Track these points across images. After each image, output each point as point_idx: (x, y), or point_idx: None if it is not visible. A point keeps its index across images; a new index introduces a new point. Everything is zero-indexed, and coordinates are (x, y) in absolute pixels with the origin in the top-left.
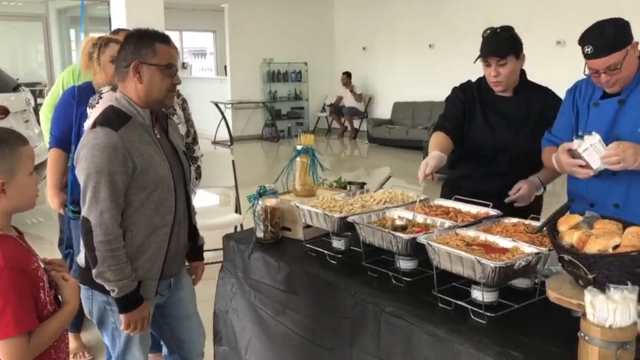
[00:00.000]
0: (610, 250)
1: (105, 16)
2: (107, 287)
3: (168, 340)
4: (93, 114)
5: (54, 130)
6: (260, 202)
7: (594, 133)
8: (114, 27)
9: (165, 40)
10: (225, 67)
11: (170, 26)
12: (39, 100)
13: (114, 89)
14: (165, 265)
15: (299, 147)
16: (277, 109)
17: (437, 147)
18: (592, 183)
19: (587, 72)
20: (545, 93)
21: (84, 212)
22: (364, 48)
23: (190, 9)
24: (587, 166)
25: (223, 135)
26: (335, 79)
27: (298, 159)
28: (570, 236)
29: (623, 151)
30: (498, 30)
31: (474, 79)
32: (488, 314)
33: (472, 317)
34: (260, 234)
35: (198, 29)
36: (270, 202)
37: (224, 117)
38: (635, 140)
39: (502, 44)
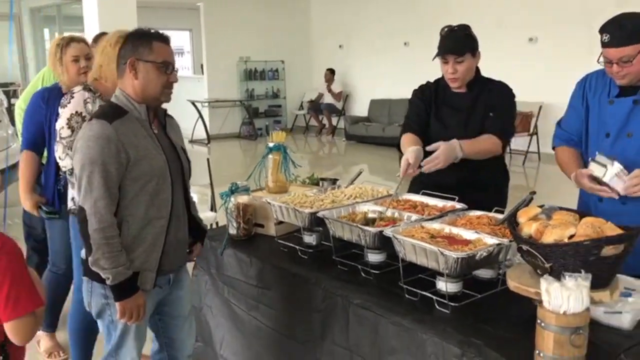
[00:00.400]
0: (566, 240)
1: (80, 15)
2: (103, 275)
3: (160, 338)
4: (64, 113)
5: (25, 132)
6: (232, 199)
7: (615, 163)
8: (86, 26)
9: (163, 39)
10: (202, 65)
11: (145, 25)
12: (12, 101)
13: (85, 88)
14: (163, 258)
15: (270, 145)
16: (254, 107)
17: (412, 144)
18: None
19: (601, 60)
20: (494, 85)
21: (80, 201)
22: (340, 46)
23: (165, 8)
24: (612, 190)
25: (200, 134)
26: (312, 76)
27: (270, 156)
28: (529, 227)
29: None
30: (455, 28)
31: None
32: (452, 303)
33: (437, 307)
34: (233, 231)
35: (174, 27)
36: (243, 199)
37: (200, 115)
38: None
39: (459, 42)
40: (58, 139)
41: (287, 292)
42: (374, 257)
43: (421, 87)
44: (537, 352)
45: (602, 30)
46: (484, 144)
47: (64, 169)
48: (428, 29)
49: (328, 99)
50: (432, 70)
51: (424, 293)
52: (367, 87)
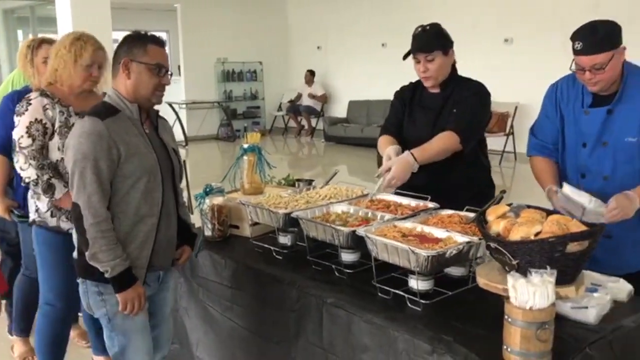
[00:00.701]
0: (532, 237)
1: (53, 16)
2: (101, 269)
3: None
4: (22, 121)
5: None
6: (207, 200)
7: (592, 200)
8: (60, 28)
9: (158, 42)
10: (179, 67)
11: (120, 26)
12: None
13: (42, 94)
14: (154, 255)
15: (245, 146)
16: (232, 109)
17: (388, 145)
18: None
19: (573, 67)
20: (469, 85)
21: (73, 197)
22: (318, 47)
23: (142, 9)
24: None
25: (178, 135)
26: (291, 78)
27: (245, 157)
28: (497, 225)
29: (621, 207)
30: (427, 27)
31: None
32: (423, 301)
33: (409, 305)
34: (207, 232)
35: (151, 29)
36: (217, 200)
37: (178, 117)
38: (622, 147)
39: (428, 40)
40: (17, 149)
41: (261, 292)
42: (347, 257)
43: (402, 88)
44: (505, 347)
45: (574, 37)
46: (437, 144)
47: (27, 180)
48: (405, 31)
49: (307, 100)
50: (410, 71)
51: (396, 291)
52: (346, 88)
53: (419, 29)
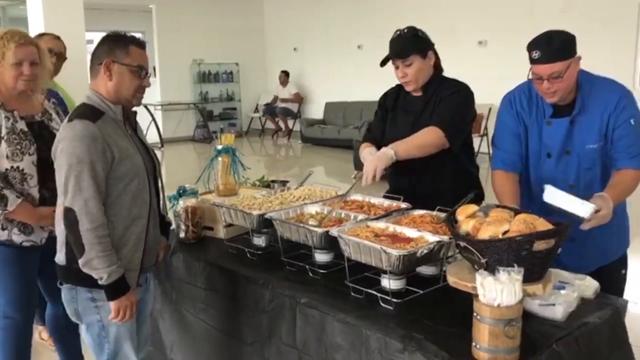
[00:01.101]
0: (500, 236)
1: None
2: (96, 275)
3: None
4: None
5: None
6: (180, 202)
7: (586, 203)
8: (31, 28)
9: (140, 44)
10: (155, 68)
11: (94, 27)
12: None
13: None
14: (144, 256)
15: (219, 147)
16: (208, 110)
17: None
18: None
19: (530, 76)
20: (450, 85)
21: (66, 202)
22: (295, 49)
23: (116, 10)
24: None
25: (153, 137)
26: (267, 79)
27: (219, 158)
28: (466, 224)
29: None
30: (404, 31)
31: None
32: (395, 300)
33: (381, 304)
34: (181, 234)
35: (125, 29)
36: (191, 202)
37: (153, 119)
38: (584, 154)
39: (404, 45)
40: None
41: (235, 294)
42: (321, 257)
43: (385, 93)
44: (474, 344)
45: (531, 47)
46: (419, 137)
47: None
48: (381, 33)
49: (282, 102)
50: (385, 74)
51: (369, 291)
52: (323, 90)
53: (396, 34)
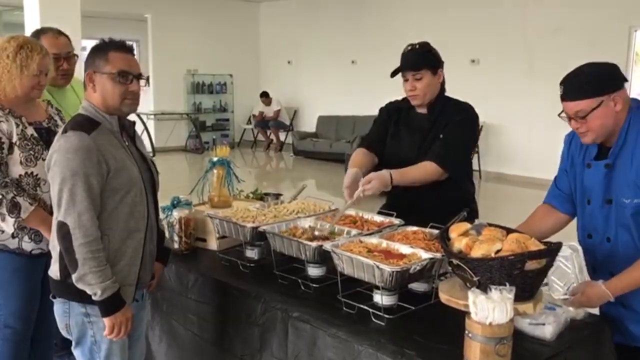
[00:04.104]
0: (493, 255)
1: (21, 22)
2: (89, 291)
3: None
4: None
5: None
6: (174, 213)
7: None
8: (27, 34)
9: (120, 47)
10: (148, 77)
11: (89, 35)
12: None
13: None
14: (141, 271)
15: (214, 159)
16: (201, 121)
17: (354, 164)
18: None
19: (563, 114)
20: (458, 108)
21: (60, 216)
22: (289, 62)
23: (112, 18)
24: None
25: (145, 146)
26: (261, 91)
27: (214, 170)
28: (459, 242)
29: (587, 299)
30: (416, 46)
31: (392, 95)
32: (387, 316)
33: (373, 319)
34: (174, 245)
35: (120, 38)
36: (184, 213)
37: (146, 127)
38: (622, 208)
39: (417, 58)
40: None
41: (226, 306)
42: (314, 271)
43: (386, 106)
44: None
45: (561, 82)
46: (417, 172)
47: None
48: (375, 48)
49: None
50: (378, 89)
51: (361, 306)
52: (315, 103)
53: (409, 48)
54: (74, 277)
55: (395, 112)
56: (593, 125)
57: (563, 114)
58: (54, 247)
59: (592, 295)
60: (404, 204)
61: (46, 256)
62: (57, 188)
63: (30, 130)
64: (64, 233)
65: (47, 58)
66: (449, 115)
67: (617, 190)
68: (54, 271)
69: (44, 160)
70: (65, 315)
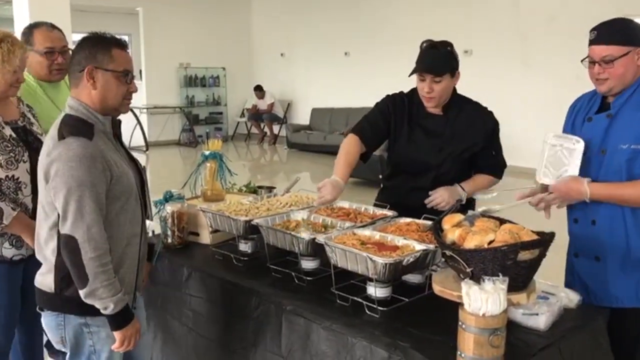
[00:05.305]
0: (485, 246)
1: (10, 16)
2: (100, 305)
3: None
4: None
5: None
6: (167, 207)
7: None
8: (17, 29)
9: (123, 45)
10: (141, 71)
11: (80, 29)
12: None
13: None
14: (138, 276)
15: (206, 153)
16: (194, 114)
17: (346, 160)
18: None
19: (585, 62)
20: (478, 114)
21: (66, 229)
22: (282, 54)
23: (103, 12)
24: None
25: (138, 140)
26: (254, 84)
27: (206, 164)
28: (452, 233)
29: (566, 190)
30: (437, 44)
31: (386, 87)
32: (381, 308)
33: (367, 311)
34: (167, 239)
35: (112, 32)
36: (177, 207)
37: (139, 122)
38: (618, 155)
39: (440, 62)
40: None
41: (220, 300)
42: (307, 264)
43: (394, 96)
44: (459, 353)
45: (592, 29)
46: (483, 184)
47: None
48: (368, 40)
49: (264, 110)
50: (371, 81)
51: (355, 298)
52: (309, 95)
53: (427, 45)
54: (83, 292)
55: (401, 106)
56: (615, 72)
57: (586, 60)
58: (45, 258)
59: (574, 187)
60: (417, 206)
61: (25, 262)
62: (62, 200)
63: (8, 131)
64: (72, 247)
65: (26, 54)
66: (469, 119)
67: (614, 138)
68: (47, 284)
69: (24, 162)
70: (59, 328)
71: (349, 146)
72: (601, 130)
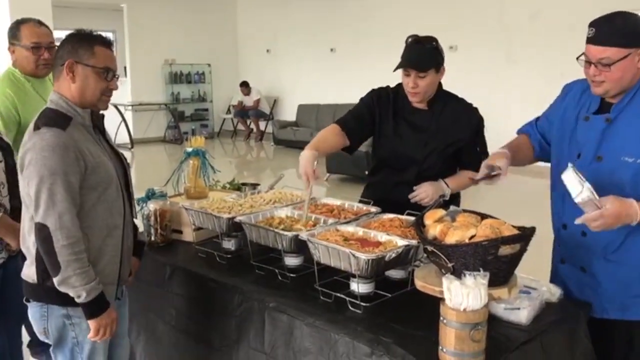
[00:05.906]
0: (467, 241)
1: None
2: (73, 293)
3: None
4: None
5: None
6: (149, 204)
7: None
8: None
9: (107, 43)
10: (125, 68)
11: (63, 25)
12: None
13: None
14: (122, 268)
15: (189, 150)
16: (180, 111)
17: (318, 142)
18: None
19: (581, 58)
20: (463, 109)
21: (39, 217)
22: (267, 50)
23: (86, 8)
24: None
25: (123, 138)
26: (240, 80)
27: (189, 161)
28: (434, 229)
29: (611, 215)
30: (422, 40)
31: (372, 82)
32: (364, 304)
33: (350, 307)
34: (149, 237)
35: (96, 28)
36: (159, 204)
37: (123, 119)
38: (617, 167)
39: (425, 58)
40: None
41: (203, 298)
42: (291, 261)
43: (379, 90)
44: (440, 348)
45: (591, 24)
46: (467, 180)
47: None
48: (354, 36)
49: (250, 106)
50: (357, 76)
51: (338, 294)
52: (295, 91)
53: (412, 40)
54: (56, 280)
55: (386, 101)
56: (613, 76)
57: (582, 58)
58: (28, 249)
59: (623, 212)
60: (403, 201)
61: (3, 267)
62: (34, 188)
63: None
64: (45, 235)
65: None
66: (454, 115)
67: (613, 147)
68: (30, 274)
69: (0, 162)
70: (43, 319)
71: (326, 131)
72: (598, 134)
